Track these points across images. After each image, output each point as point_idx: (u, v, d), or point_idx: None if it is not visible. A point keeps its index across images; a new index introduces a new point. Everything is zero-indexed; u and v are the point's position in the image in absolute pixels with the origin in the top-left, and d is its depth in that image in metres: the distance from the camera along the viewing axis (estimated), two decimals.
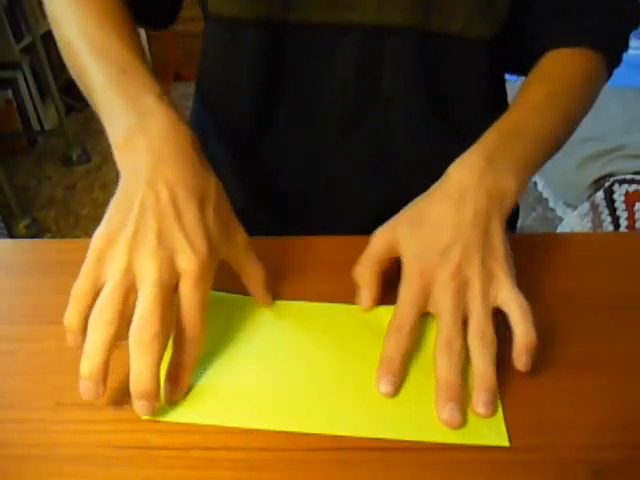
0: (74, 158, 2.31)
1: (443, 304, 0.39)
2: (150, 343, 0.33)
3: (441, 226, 0.41)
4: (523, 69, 0.56)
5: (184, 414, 0.36)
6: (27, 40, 2.17)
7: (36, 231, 1.94)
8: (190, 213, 0.36)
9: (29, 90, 2.39)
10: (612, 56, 0.55)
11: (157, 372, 0.34)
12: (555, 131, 0.50)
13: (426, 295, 0.39)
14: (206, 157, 0.50)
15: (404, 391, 0.38)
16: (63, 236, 1.91)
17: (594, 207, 1.51)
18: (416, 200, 0.44)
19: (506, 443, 0.34)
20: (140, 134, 0.38)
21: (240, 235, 0.41)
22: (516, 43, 0.57)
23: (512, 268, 0.40)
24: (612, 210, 1.46)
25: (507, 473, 0.33)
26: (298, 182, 0.60)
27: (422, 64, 0.53)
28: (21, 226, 1.92)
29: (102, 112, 0.42)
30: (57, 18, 0.47)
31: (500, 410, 0.36)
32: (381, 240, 0.43)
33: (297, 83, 0.55)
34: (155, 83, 0.41)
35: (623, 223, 1.46)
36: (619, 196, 1.46)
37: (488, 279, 0.39)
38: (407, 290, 0.40)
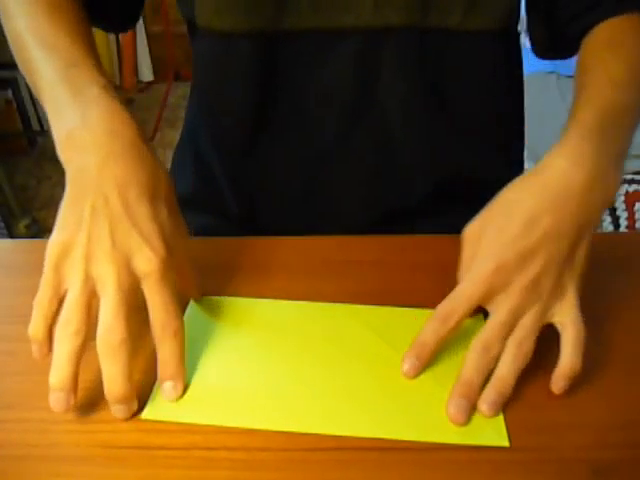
0: None
1: (502, 306, 0.37)
2: (118, 348, 0.33)
3: (531, 226, 0.37)
4: (562, 52, 0.55)
5: (184, 414, 0.36)
6: None
7: (36, 231, 1.93)
8: (143, 213, 0.35)
9: (29, 90, 2.39)
10: None
11: (129, 375, 0.34)
12: (635, 105, 0.45)
13: (489, 293, 0.37)
14: (199, 162, 0.51)
15: (405, 391, 0.38)
16: None
17: None
18: (508, 190, 0.40)
19: (506, 443, 0.34)
20: (84, 129, 0.36)
21: (183, 227, 0.41)
22: (553, 25, 0.55)
23: (580, 285, 0.39)
24: (612, 210, 1.46)
25: (507, 473, 0.33)
26: (295, 186, 0.59)
27: (421, 62, 0.53)
28: (21, 226, 1.92)
29: (48, 107, 0.40)
30: (8, 11, 0.45)
31: (500, 410, 0.36)
32: (470, 240, 0.40)
33: (293, 90, 0.54)
34: (101, 75, 0.40)
35: (623, 223, 1.45)
36: (619, 196, 1.46)
37: (556, 296, 0.38)
38: (470, 283, 0.37)
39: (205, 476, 0.33)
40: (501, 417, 0.36)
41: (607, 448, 0.34)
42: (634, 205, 1.44)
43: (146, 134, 0.38)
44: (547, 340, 0.41)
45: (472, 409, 0.36)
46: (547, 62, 1.39)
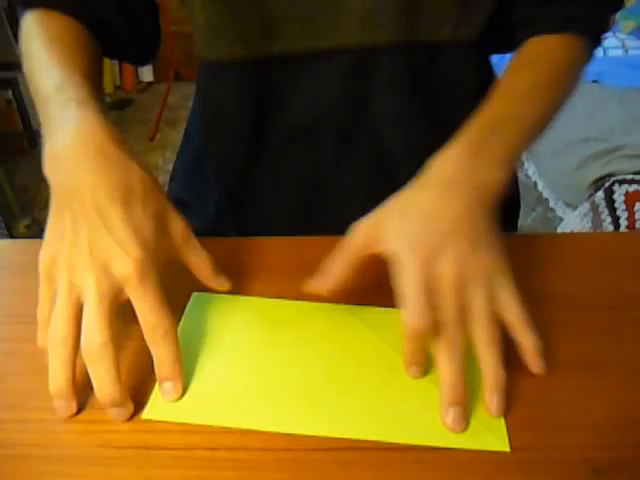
0: None
1: (445, 298, 0.36)
2: (102, 353, 0.34)
3: (433, 216, 0.38)
4: (499, 49, 0.56)
5: (184, 414, 0.36)
6: None
7: (36, 231, 1.93)
8: (115, 215, 0.35)
9: (29, 90, 2.39)
10: (594, 39, 0.54)
11: (116, 377, 0.34)
12: (538, 119, 0.49)
13: (431, 289, 0.36)
14: (199, 177, 0.51)
15: (406, 395, 0.38)
16: None
17: (594, 207, 1.51)
18: (397, 194, 0.42)
19: (507, 448, 0.34)
20: (59, 145, 0.37)
21: (177, 224, 0.39)
22: (504, 28, 0.56)
23: (507, 259, 0.39)
24: (612, 210, 1.46)
25: (507, 473, 0.33)
26: (292, 203, 0.60)
27: (412, 76, 0.53)
28: (21, 226, 1.92)
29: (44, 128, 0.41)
30: (26, 35, 0.51)
31: (505, 404, 0.36)
32: (363, 233, 0.40)
33: (287, 112, 0.55)
34: (83, 90, 0.40)
35: (623, 223, 1.46)
36: (619, 196, 1.46)
37: (490, 273, 0.38)
38: (410, 280, 0.36)
39: (205, 476, 0.33)
40: (502, 421, 0.36)
41: (608, 448, 0.34)
42: (634, 205, 1.45)
43: (121, 136, 0.39)
44: (546, 340, 0.41)
45: (466, 411, 0.36)
46: None
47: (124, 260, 0.34)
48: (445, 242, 0.37)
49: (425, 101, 0.54)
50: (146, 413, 0.36)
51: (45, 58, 0.45)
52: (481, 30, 0.53)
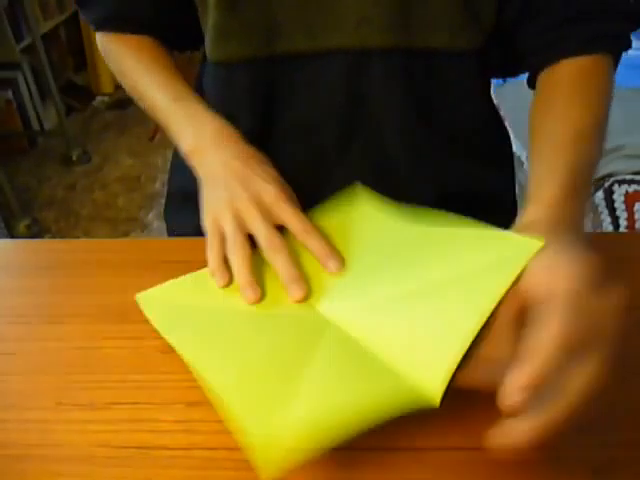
0: (74, 158, 2.31)
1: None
2: (280, 247, 0.43)
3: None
4: (511, 74, 0.57)
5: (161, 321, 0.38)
6: (27, 40, 2.16)
7: (36, 231, 1.93)
8: (258, 168, 0.48)
9: (29, 90, 2.38)
10: (619, 56, 0.54)
11: (293, 262, 0.43)
12: (598, 155, 0.46)
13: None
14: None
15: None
16: (63, 236, 1.91)
17: (594, 207, 1.50)
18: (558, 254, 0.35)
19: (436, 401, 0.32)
20: (204, 142, 0.51)
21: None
22: (519, 50, 0.55)
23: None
24: (612, 210, 1.46)
25: (507, 473, 0.33)
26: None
27: (408, 81, 0.53)
28: (21, 226, 1.92)
29: (169, 130, 0.54)
30: (125, 72, 0.60)
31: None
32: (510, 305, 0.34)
33: (291, 109, 0.56)
34: (199, 102, 0.54)
35: (623, 223, 1.45)
36: (619, 196, 1.46)
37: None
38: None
39: (206, 476, 0.33)
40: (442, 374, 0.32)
41: (607, 447, 0.34)
42: (634, 205, 1.45)
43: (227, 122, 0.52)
44: None
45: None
46: None
47: (268, 187, 0.46)
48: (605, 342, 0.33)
49: (422, 103, 0.55)
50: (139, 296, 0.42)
51: (147, 79, 0.57)
52: (481, 40, 0.53)
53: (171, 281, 0.46)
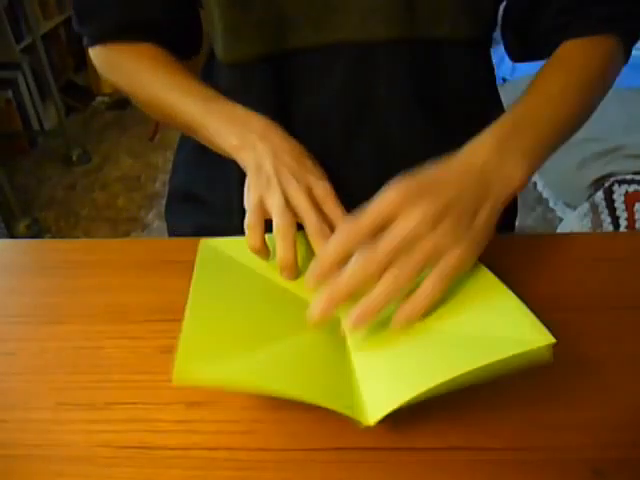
0: (74, 158, 2.31)
1: (396, 231, 0.39)
2: (328, 236, 0.42)
3: (442, 179, 0.42)
4: (538, 56, 0.57)
5: (215, 377, 0.34)
6: (27, 40, 2.16)
7: (36, 231, 1.93)
8: (309, 163, 0.49)
9: (29, 90, 2.38)
10: (630, 37, 0.55)
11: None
12: (566, 123, 0.50)
13: (394, 213, 0.39)
14: (205, 167, 0.61)
15: (425, 338, 0.37)
16: (63, 236, 1.91)
17: (594, 207, 1.51)
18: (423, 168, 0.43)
19: (551, 339, 0.34)
20: (252, 136, 0.50)
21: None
22: (533, 33, 0.57)
23: (479, 249, 0.41)
24: (612, 210, 1.46)
25: (507, 473, 0.33)
26: None
27: (413, 72, 0.54)
28: (21, 226, 1.92)
29: (205, 133, 0.53)
30: (131, 85, 0.59)
31: (530, 313, 0.36)
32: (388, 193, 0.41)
33: (303, 105, 0.57)
34: (226, 99, 0.53)
35: (623, 223, 1.46)
36: (619, 196, 1.46)
37: (451, 239, 0.39)
38: (378, 202, 0.40)
39: (205, 476, 0.33)
40: (534, 318, 0.36)
41: (607, 448, 0.34)
42: (634, 205, 1.45)
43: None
44: None
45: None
46: None
47: (318, 181, 0.47)
48: (436, 199, 0.40)
49: (426, 96, 0.55)
50: (176, 379, 0.33)
51: (170, 85, 0.56)
52: (482, 29, 0.54)
53: (236, 238, 0.48)
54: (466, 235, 0.40)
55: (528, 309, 0.36)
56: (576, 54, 0.53)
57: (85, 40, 0.60)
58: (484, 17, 0.54)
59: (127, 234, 1.94)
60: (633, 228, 1.44)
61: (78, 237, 1.89)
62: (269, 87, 0.56)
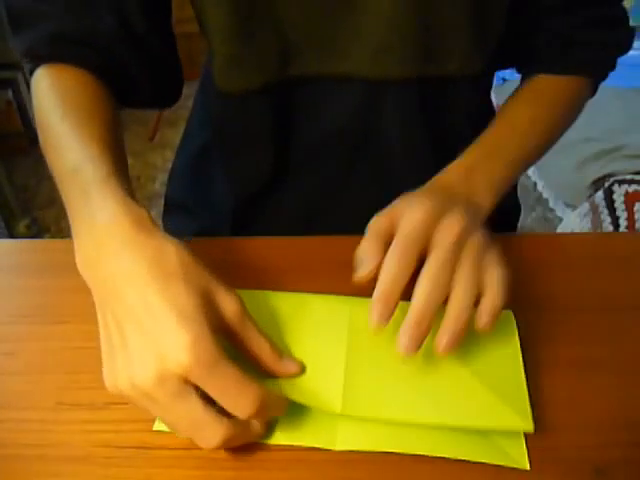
0: None
1: (442, 242, 0.37)
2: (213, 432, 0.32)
3: (439, 196, 0.41)
4: (513, 63, 0.59)
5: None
6: None
7: (36, 231, 1.93)
8: (157, 301, 0.31)
9: (29, 90, 2.38)
10: (601, 78, 0.57)
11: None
12: (532, 154, 0.53)
13: (427, 234, 0.37)
14: (202, 179, 0.56)
15: (421, 375, 0.37)
16: (63, 236, 1.91)
17: (594, 207, 1.51)
18: (409, 194, 0.43)
19: (526, 466, 0.33)
20: (85, 243, 0.36)
21: (228, 301, 0.34)
22: (515, 54, 0.58)
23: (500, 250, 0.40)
24: (612, 210, 1.46)
25: (508, 473, 0.33)
26: (299, 215, 0.60)
27: (421, 108, 0.53)
28: (21, 226, 1.92)
29: (68, 204, 0.40)
30: (37, 98, 0.46)
31: (527, 396, 0.35)
32: (380, 219, 0.40)
33: (305, 135, 0.55)
34: (102, 169, 0.38)
35: (623, 223, 1.46)
36: (619, 196, 1.46)
37: (484, 248, 0.38)
38: (409, 224, 0.38)
39: (205, 476, 0.33)
40: (522, 440, 0.35)
41: (608, 447, 0.34)
42: (634, 205, 1.45)
43: (146, 214, 0.36)
44: (546, 340, 0.41)
45: (423, 340, 0.35)
46: None
47: (177, 353, 0.30)
48: (449, 209, 0.39)
49: (432, 129, 0.55)
50: (157, 424, 0.35)
51: (59, 131, 0.42)
52: (488, 62, 0.54)
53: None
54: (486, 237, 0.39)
55: (527, 392, 0.36)
56: (548, 89, 0.55)
57: (26, 66, 0.49)
58: (491, 50, 0.53)
59: None
60: (633, 228, 1.44)
61: None
62: (269, 118, 0.54)
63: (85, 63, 0.46)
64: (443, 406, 0.35)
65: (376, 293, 0.36)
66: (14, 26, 0.47)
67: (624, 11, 0.55)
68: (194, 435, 0.31)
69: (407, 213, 0.39)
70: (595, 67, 0.56)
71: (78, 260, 0.36)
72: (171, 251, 0.33)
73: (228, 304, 0.33)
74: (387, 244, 0.38)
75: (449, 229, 0.37)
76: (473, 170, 0.46)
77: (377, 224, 0.40)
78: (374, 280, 0.37)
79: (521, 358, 0.38)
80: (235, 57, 0.49)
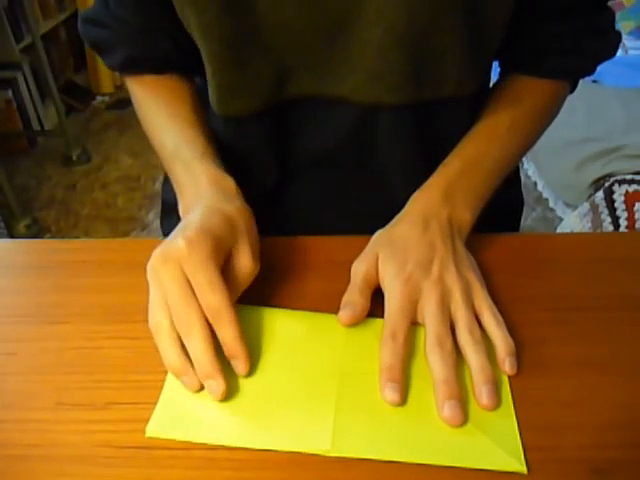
0: (74, 158, 2.31)
1: (429, 309, 0.40)
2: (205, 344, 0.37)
3: (414, 246, 0.44)
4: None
5: (187, 433, 0.35)
6: (27, 40, 2.16)
7: (36, 231, 1.93)
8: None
9: (29, 90, 2.38)
10: (580, 77, 0.58)
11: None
12: (512, 159, 0.53)
13: (413, 304, 0.41)
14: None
15: (412, 413, 0.37)
16: (63, 236, 1.91)
17: (594, 207, 1.51)
18: (383, 230, 0.47)
19: (523, 469, 0.33)
20: (188, 210, 0.45)
21: (245, 258, 0.42)
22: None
23: (481, 278, 0.43)
24: (612, 210, 1.46)
25: (507, 473, 0.33)
26: (298, 231, 0.60)
27: (416, 128, 0.53)
28: (21, 226, 1.92)
29: (175, 181, 0.51)
30: (139, 114, 0.58)
31: (518, 436, 0.35)
32: (360, 269, 0.44)
33: (300, 148, 0.55)
34: (196, 149, 0.50)
35: (623, 223, 1.46)
36: (619, 196, 1.46)
37: (466, 287, 0.42)
38: (394, 301, 0.41)
39: (206, 476, 0.33)
40: (519, 442, 0.35)
41: (607, 448, 0.34)
42: (634, 205, 1.45)
43: (230, 183, 0.47)
44: (546, 340, 0.41)
45: (463, 404, 0.36)
46: None
47: (181, 242, 0.39)
48: (424, 267, 0.42)
49: (428, 148, 0.55)
50: (149, 430, 0.35)
51: (158, 122, 0.55)
52: (482, 82, 0.54)
53: (161, 400, 0.38)
54: (467, 272, 0.43)
55: (519, 434, 0.35)
56: (529, 93, 0.55)
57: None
58: (485, 71, 0.54)
59: (127, 234, 1.94)
60: (633, 228, 1.44)
61: (78, 237, 1.89)
62: (266, 139, 0.54)
63: (159, 71, 0.57)
64: (435, 446, 0.35)
65: (383, 379, 0.38)
66: (95, 51, 0.58)
67: (612, 17, 0.54)
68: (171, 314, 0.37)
69: (387, 281, 0.42)
70: (579, 72, 0.56)
71: (181, 209, 0.48)
72: (242, 216, 0.44)
73: (245, 261, 0.42)
74: (370, 288, 0.43)
75: (433, 297, 0.40)
76: (454, 185, 0.48)
77: (359, 274, 0.44)
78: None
79: (511, 398, 0.37)
80: (231, 85, 0.50)
